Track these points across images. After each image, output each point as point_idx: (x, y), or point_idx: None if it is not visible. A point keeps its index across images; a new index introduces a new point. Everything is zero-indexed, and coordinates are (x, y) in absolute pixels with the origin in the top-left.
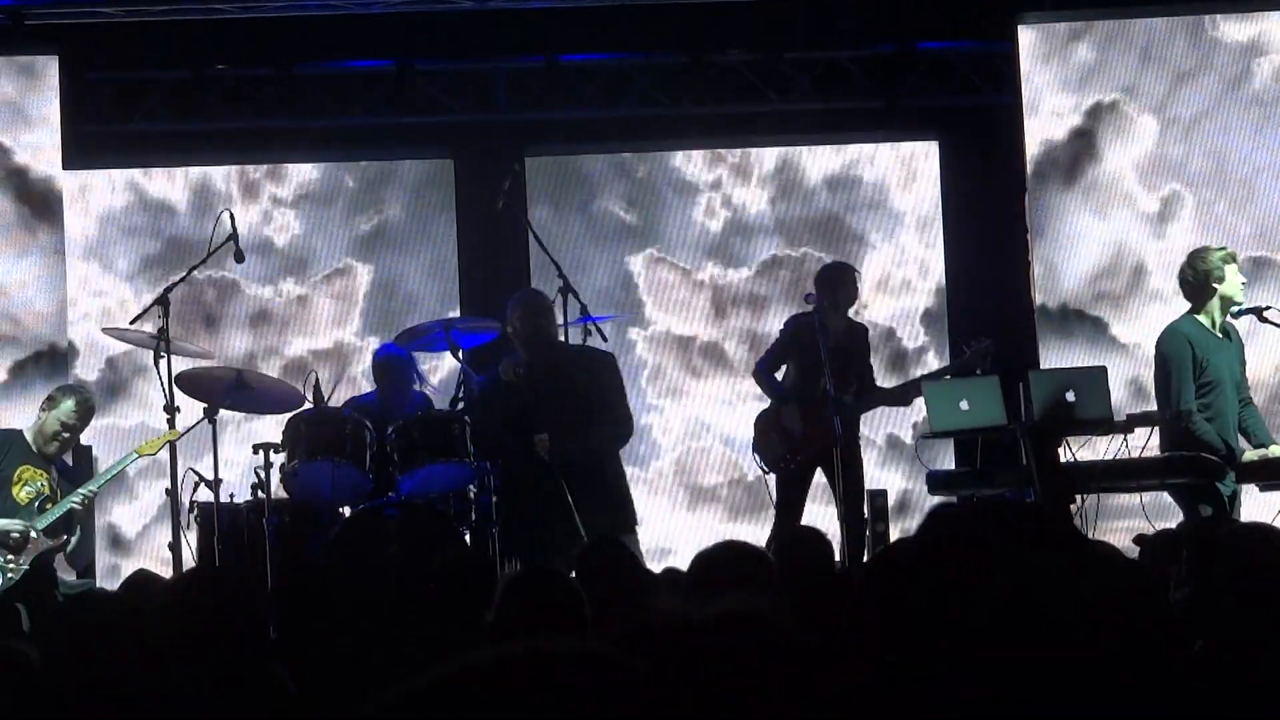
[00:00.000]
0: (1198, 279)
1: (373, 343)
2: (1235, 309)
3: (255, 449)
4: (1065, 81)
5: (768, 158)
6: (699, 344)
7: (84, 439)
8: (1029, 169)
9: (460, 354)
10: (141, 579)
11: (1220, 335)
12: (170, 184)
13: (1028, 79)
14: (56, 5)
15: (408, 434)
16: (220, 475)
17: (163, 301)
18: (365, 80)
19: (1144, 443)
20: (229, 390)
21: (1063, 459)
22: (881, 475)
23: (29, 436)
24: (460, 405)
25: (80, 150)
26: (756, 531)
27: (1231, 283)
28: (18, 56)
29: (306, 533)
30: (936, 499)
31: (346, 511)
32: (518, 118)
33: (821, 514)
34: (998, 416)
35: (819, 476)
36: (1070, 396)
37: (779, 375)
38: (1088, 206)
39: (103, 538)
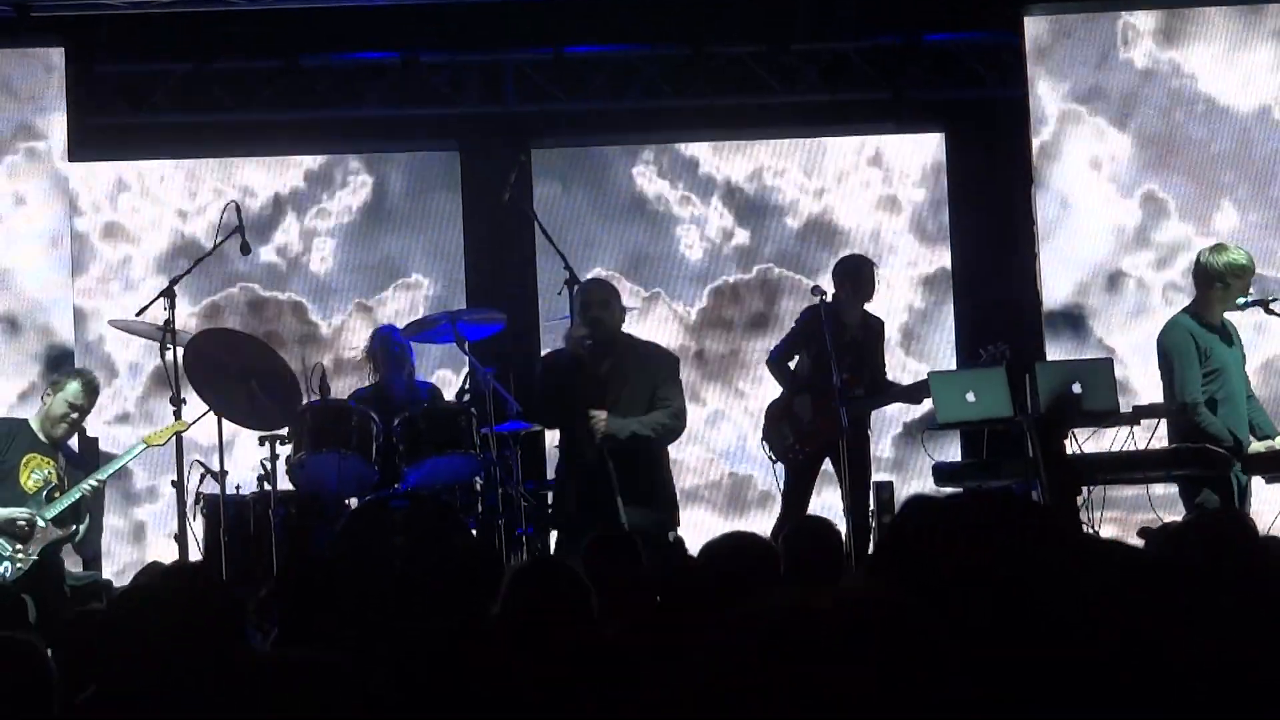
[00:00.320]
0: (1202, 272)
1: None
2: (1241, 301)
3: (261, 440)
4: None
5: (771, 149)
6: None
7: (90, 431)
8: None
9: (466, 346)
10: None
11: (1220, 328)
12: (176, 175)
13: (1033, 70)
14: None
15: (414, 426)
16: (226, 467)
17: (169, 293)
18: (371, 72)
19: (1150, 434)
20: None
21: (1069, 450)
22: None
23: (35, 424)
24: (466, 397)
25: (86, 142)
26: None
27: (1234, 291)
28: (24, 49)
29: (312, 524)
30: (946, 490)
31: (353, 503)
32: (524, 109)
33: (820, 506)
34: (1004, 408)
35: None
36: (1077, 388)
37: (791, 365)
38: (1093, 199)
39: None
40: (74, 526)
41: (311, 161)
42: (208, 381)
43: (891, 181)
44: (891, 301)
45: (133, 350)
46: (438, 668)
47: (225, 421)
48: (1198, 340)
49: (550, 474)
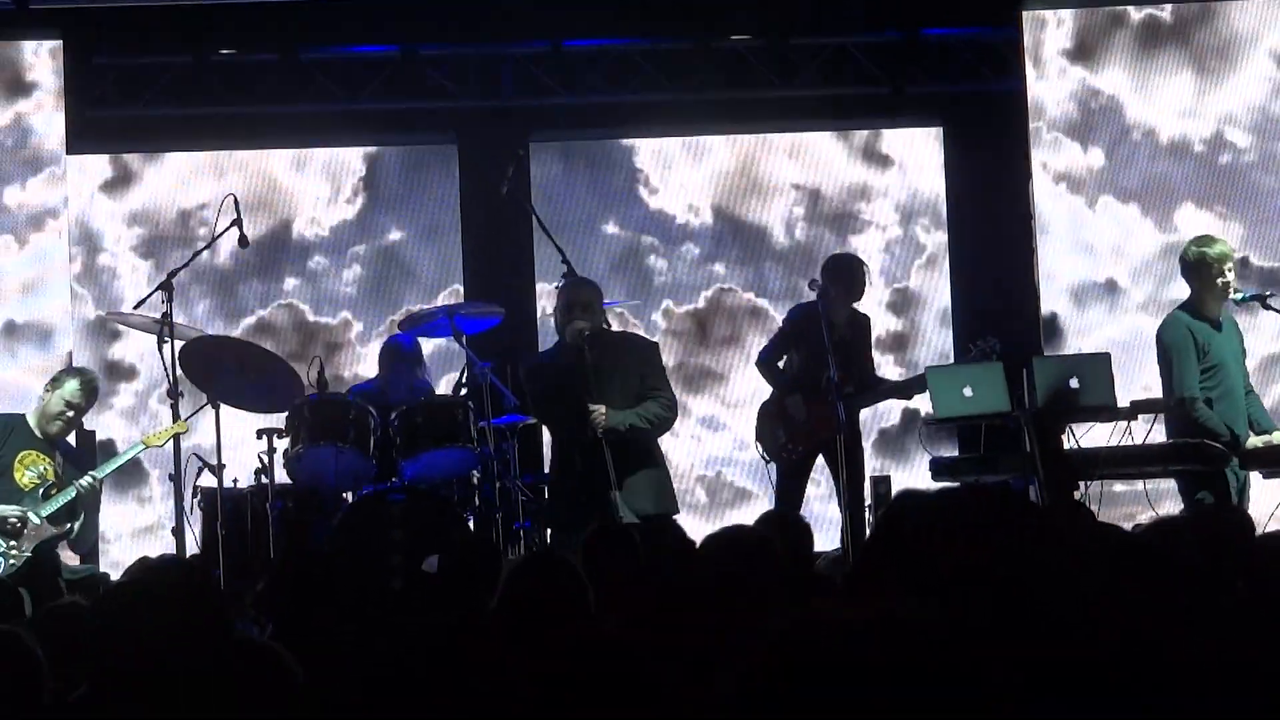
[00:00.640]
0: (1193, 265)
1: (376, 328)
2: (1238, 295)
3: (259, 434)
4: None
5: (772, 144)
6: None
7: (89, 424)
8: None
9: (464, 340)
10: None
11: (1218, 323)
12: (174, 168)
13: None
14: None
15: (411, 419)
16: (223, 460)
17: (166, 286)
18: (369, 65)
19: (1148, 429)
20: (230, 373)
21: (1066, 446)
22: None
23: (32, 420)
24: (463, 391)
25: (84, 134)
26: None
27: (1226, 282)
28: (22, 41)
29: (310, 518)
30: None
31: (350, 497)
32: (522, 103)
33: (817, 502)
34: (1001, 403)
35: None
36: (1074, 383)
37: (780, 365)
38: (1095, 192)
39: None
40: (68, 525)
41: (308, 154)
42: (205, 375)
43: (890, 175)
44: (891, 297)
45: (130, 344)
46: (435, 662)
47: (223, 418)
48: (1196, 336)
49: (547, 469)
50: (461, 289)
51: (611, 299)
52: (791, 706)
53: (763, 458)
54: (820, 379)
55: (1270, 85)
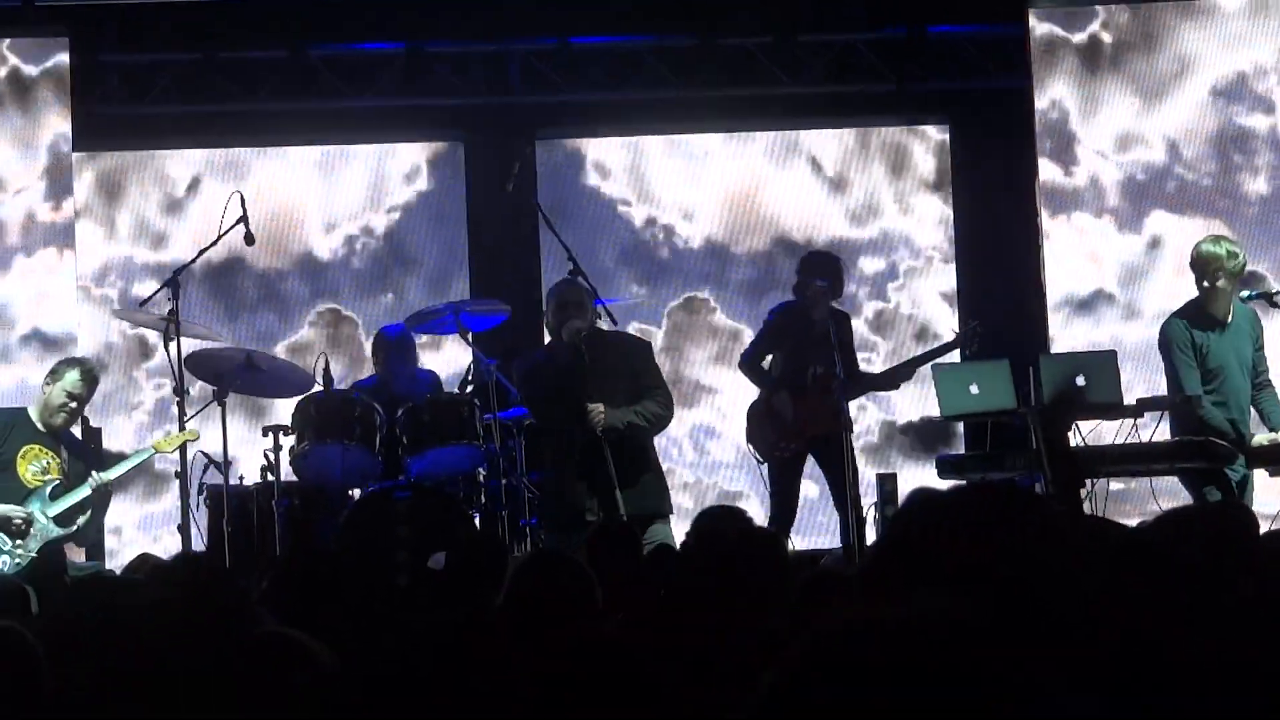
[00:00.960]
0: (1204, 264)
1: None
2: (1245, 294)
3: (265, 431)
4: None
5: (779, 140)
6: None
7: (93, 422)
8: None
9: (470, 337)
10: (139, 564)
11: (1224, 323)
12: (181, 166)
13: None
14: None
15: (417, 416)
16: (230, 457)
17: (172, 284)
18: (376, 62)
19: (1154, 427)
20: (238, 371)
21: (1072, 443)
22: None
23: (34, 414)
24: (470, 388)
25: (91, 132)
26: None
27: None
28: (28, 37)
29: (316, 516)
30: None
31: (357, 494)
32: (529, 100)
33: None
34: (1008, 400)
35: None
36: (1081, 381)
37: (765, 365)
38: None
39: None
40: (74, 525)
41: (315, 150)
42: (214, 373)
43: (896, 173)
44: (896, 293)
45: (133, 342)
46: (441, 659)
47: (228, 418)
48: (1194, 338)
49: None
50: (468, 286)
51: (618, 296)
52: (836, 707)
53: (756, 459)
54: (805, 376)
55: None
